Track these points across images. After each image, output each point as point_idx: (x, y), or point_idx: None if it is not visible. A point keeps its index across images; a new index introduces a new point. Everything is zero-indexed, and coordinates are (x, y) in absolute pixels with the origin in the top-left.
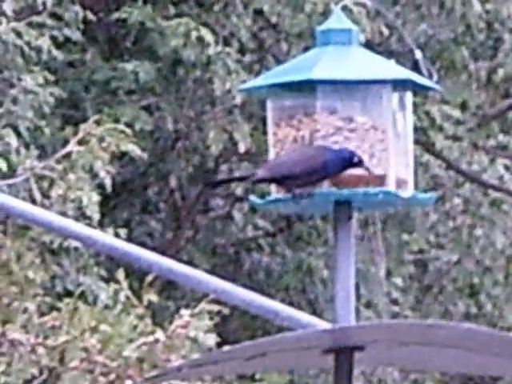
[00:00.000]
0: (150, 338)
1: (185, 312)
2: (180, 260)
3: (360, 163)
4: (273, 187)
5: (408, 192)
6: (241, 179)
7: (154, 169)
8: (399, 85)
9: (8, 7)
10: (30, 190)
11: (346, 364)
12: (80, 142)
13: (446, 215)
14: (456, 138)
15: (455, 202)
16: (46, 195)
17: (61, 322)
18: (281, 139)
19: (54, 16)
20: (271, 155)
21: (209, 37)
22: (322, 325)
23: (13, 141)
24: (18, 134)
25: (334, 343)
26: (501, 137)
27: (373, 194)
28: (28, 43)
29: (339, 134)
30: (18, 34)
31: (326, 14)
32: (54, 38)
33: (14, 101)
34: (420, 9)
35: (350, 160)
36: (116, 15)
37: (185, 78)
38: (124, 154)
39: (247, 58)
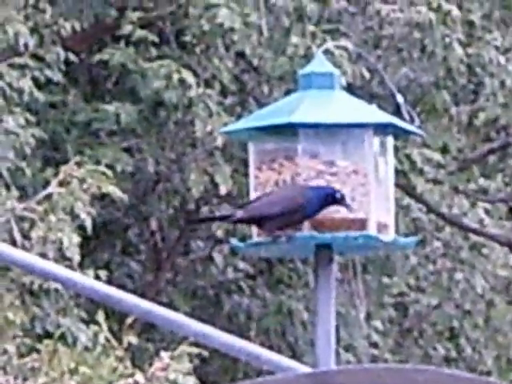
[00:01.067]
0: (130, 381)
1: (164, 354)
2: (160, 302)
3: (342, 200)
4: (254, 229)
5: (389, 236)
6: (221, 218)
7: (134, 210)
8: (381, 129)
9: None
10: (10, 231)
11: None
12: (61, 184)
13: (426, 258)
14: (437, 182)
15: (435, 246)
16: (26, 236)
17: (40, 364)
18: (262, 182)
19: (36, 57)
20: (252, 198)
21: (190, 79)
22: (302, 368)
23: None
24: None
25: None
26: (481, 181)
27: (354, 237)
28: (9, 84)
29: (321, 178)
30: (0, 75)
31: (307, 56)
32: (35, 79)
33: None
34: (401, 52)
35: (331, 197)
36: (98, 57)
37: (166, 120)
38: (104, 195)
39: (229, 100)
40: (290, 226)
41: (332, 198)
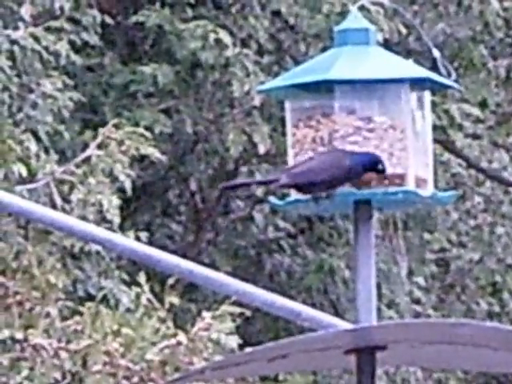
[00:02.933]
0: (173, 341)
1: (206, 314)
2: (201, 262)
3: (383, 170)
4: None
5: (428, 191)
6: (262, 183)
7: (173, 172)
8: (417, 84)
9: (26, 12)
10: (50, 194)
11: (369, 364)
12: (99, 146)
13: (467, 214)
14: (476, 137)
15: (476, 201)
16: (66, 200)
17: (83, 326)
18: (299, 140)
19: (72, 20)
20: (290, 156)
21: (227, 39)
22: (344, 325)
23: (32, 146)
24: (38, 139)
25: (356, 343)
26: None
27: (392, 193)
28: (46, 48)
29: (358, 134)
30: (36, 39)
31: (343, 14)
32: (72, 43)
33: (34, 106)
34: (437, 7)
35: (373, 165)
36: (134, 19)
37: (203, 81)
38: (144, 157)
39: (265, 60)
40: (332, 189)
41: (374, 165)
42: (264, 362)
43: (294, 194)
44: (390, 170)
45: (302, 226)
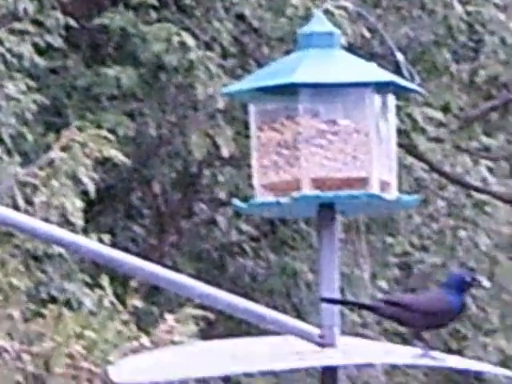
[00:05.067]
0: (135, 344)
1: (169, 317)
2: (164, 265)
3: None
4: (257, 190)
5: (392, 194)
6: (367, 308)
7: (137, 174)
8: (381, 87)
9: None
10: (13, 196)
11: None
12: (63, 149)
13: (430, 217)
14: (438, 140)
15: (439, 205)
16: (29, 202)
17: (46, 329)
18: (264, 143)
19: (36, 22)
20: (254, 159)
21: (190, 41)
22: (308, 329)
23: None
24: (1, 141)
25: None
26: (484, 138)
27: (356, 196)
28: (9, 50)
29: (322, 137)
30: (0, 41)
31: (307, 17)
32: (35, 45)
33: None
34: (401, 11)
35: (467, 285)
36: (98, 21)
37: (167, 83)
38: (107, 159)
39: (229, 63)
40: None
41: (468, 284)
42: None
43: (259, 197)
44: (353, 174)
45: (265, 229)
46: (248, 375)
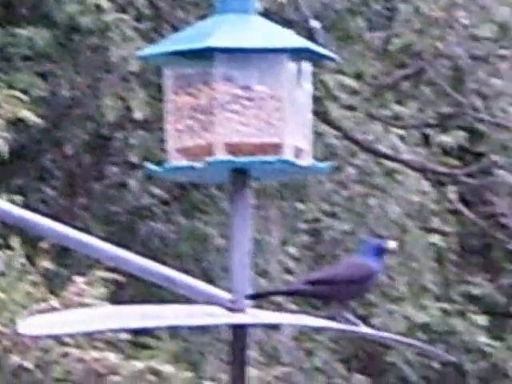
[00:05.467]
0: (45, 305)
1: (79, 279)
2: (75, 227)
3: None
4: (170, 153)
5: (305, 161)
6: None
7: (49, 136)
8: (296, 54)
9: None
10: None
11: (242, 338)
12: None
13: (341, 184)
14: (351, 108)
15: (349, 172)
16: None
17: None
18: (179, 107)
19: None
20: (168, 123)
21: (105, 3)
22: (219, 293)
23: None
24: None
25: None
26: (395, 107)
27: (270, 162)
28: None
29: (237, 103)
30: None
31: None
32: None
33: None
34: None
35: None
36: None
37: (81, 45)
38: (19, 120)
39: (144, 26)
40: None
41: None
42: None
43: (172, 161)
44: (267, 140)
45: (176, 193)
46: (157, 338)
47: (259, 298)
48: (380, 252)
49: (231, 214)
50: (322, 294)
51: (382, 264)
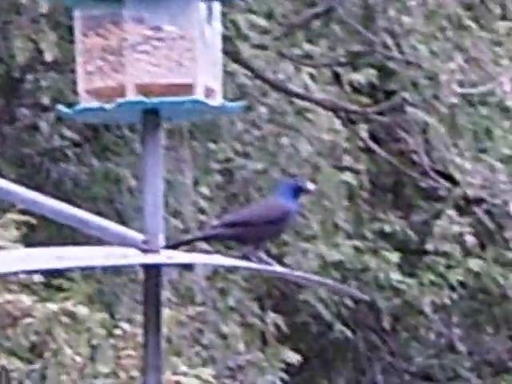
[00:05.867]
0: None
1: None
2: None
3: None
4: (82, 97)
5: (216, 101)
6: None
7: None
8: None
9: None
10: None
11: (155, 276)
12: None
13: (252, 124)
14: (262, 47)
15: (261, 111)
16: None
17: None
18: (89, 48)
19: None
20: (78, 64)
21: None
22: (132, 234)
23: None
24: None
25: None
26: (306, 46)
27: (181, 102)
28: None
29: (147, 44)
30: None
31: None
32: None
33: None
34: None
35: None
36: None
37: None
38: None
39: None
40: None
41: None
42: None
43: (83, 103)
44: (178, 80)
45: (88, 134)
46: (71, 280)
47: (178, 247)
48: (296, 193)
49: (143, 155)
50: (240, 237)
51: (298, 205)
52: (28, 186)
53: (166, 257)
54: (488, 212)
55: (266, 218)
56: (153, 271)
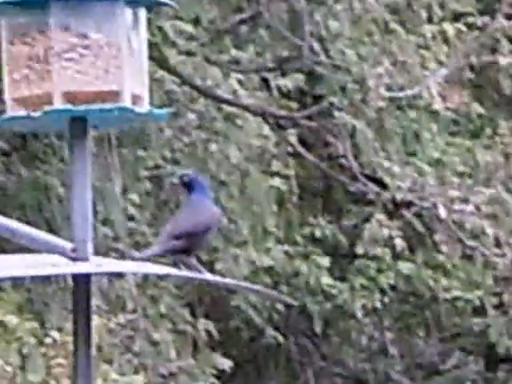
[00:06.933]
0: None
1: None
2: None
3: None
4: (8, 106)
5: (143, 108)
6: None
7: None
8: (132, 1)
9: None
10: None
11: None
12: None
13: (181, 131)
14: (189, 54)
15: (190, 118)
16: None
17: None
18: (15, 57)
19: None
20: (5, 73)
21: None
22: (60, 243)
23: None
24: None
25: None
26: (234, 51)
27: (108, 110)
28: None
29: (74, 51)
30: None
31: None
32: None
33: None
34: None
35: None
36: None
37: None
38: None
39: None
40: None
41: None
42: None
43: (10, 111)
44: (105, 88)
45: (16, 143)
46: (1, 290)
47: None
48: (205, 186)
49: (71, 163)
50: (188, 247)
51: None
52: None
53: (95, 265)
54: (417, 215)
55: (207, 226)
56: (82, 279)
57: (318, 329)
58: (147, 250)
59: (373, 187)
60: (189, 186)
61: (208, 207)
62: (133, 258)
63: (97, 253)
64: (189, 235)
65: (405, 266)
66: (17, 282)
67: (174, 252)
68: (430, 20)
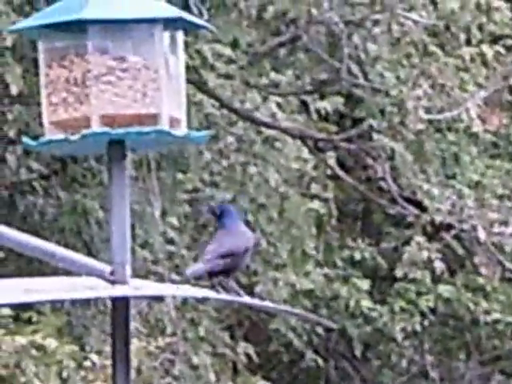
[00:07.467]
0: None
1: None
2: None
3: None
4: (47, 129)
5: (181, 131)
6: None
7: None
8: (170, 24)
9: None
10: None
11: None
12: None
13: (220, 154)
14: (228, 77)
15: (229, 141)
16: None
17: None
18: (53, 80)
19: None
20: (43, 96)
21: None
22: (99, 266)
23: None
24: None
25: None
26: (272, 74)
27: (146, 133)
28: None
29: (111, 74)
30: None
31: None
32: None
33: None
34: None
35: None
36: None
37: None
38: None
39: (17, 0)
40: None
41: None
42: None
43: (48, 135)
44: (143, 111)
45: (56, 167)
46: (40, 313)
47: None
48: (235, 214)
49: (109, 186)
50: (229, 267)
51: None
52: None
53: (133, 288)
54: (457, 237)
55: (246, 247)
56: (120, 303)
57: (357, 352)
58: (193, 267)
59: (412, 210)
60: (219, 215)
61: (243, 230)
62: (172, 281)
63: (136, 276)
64: (233, 255)
65: (445, 289)
66: (56, 305)
67: (217, 272)
68: (468, 42)
